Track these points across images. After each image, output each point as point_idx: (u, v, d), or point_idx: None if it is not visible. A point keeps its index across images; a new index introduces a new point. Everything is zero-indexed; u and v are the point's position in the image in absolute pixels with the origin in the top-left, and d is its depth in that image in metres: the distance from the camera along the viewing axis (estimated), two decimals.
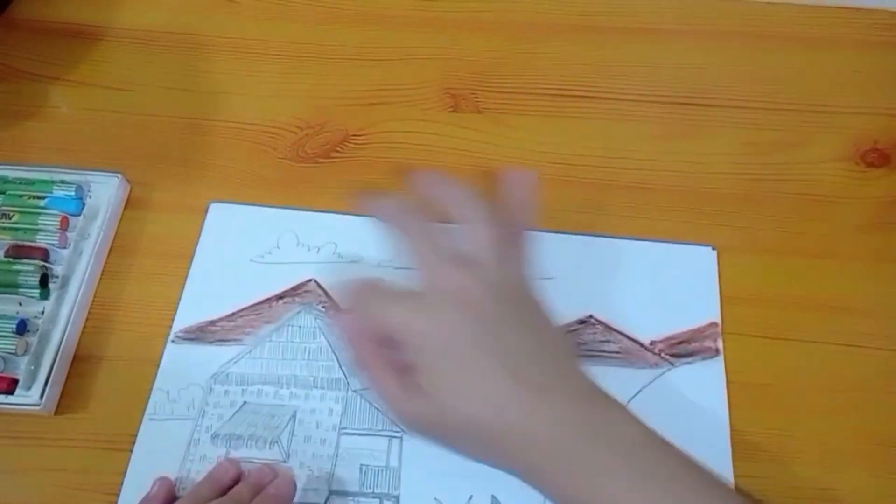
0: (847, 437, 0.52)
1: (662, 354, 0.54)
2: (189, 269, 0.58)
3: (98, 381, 0.54)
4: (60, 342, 0.53)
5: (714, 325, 0.55)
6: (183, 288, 0.57)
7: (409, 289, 0.45)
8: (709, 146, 0.63)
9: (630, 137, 0.63)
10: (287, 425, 0.52)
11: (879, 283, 0.57)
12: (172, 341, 0.55)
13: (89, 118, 0.65)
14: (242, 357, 0.54)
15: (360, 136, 0.64)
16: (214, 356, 0.54)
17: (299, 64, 0.67)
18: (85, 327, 0.56)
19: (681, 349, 0.54)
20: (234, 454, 0.51)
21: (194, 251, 0.58)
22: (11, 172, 0.59)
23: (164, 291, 0.57)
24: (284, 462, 0.51)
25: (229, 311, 0.56)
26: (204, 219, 0.60)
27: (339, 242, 0.58)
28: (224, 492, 0.48)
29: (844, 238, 0.59)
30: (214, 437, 0.52)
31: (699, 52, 0.67)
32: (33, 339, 0.53)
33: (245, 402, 0.53)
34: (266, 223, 0.60)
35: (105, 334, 0.56)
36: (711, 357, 0.54)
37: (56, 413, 0.53)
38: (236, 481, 0.50)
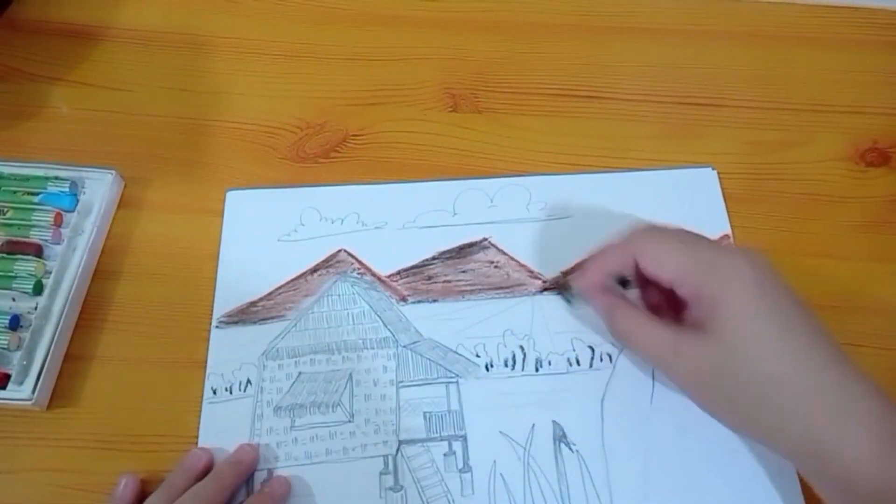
0: None
1: None
2: (218, 256, 0.58)
3: (91, 378, 0.54)
4: (53, 338, 0.53)
5: (727, 236, 0.59)
6: (216, 276, 0.57)
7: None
8: (709, 146, 0.63)
9: (630, 137, 0.63)
10: (345, 388, 0.53)
11: (879, 282, 0.57)
12: (217, 327, 0.55)
13: (89, 118, 0.65)
14: (289, 331, 0.55)
15: (360, 136, 0.64)
16: (261, 334, 0.55)
17: (299, 64, 0.67)
18: (78, 323, 0.56)
19: None
20: (300, 422, 0.52)
21: (219, 239, 0.59)
22: (6, 168, 0.59)
23: (161, 289, 0.57)
24: (350, 421, 0.52)
25: (267, 291, 0.57)
26: (223, 208, 0.60)
27: (360, 212, 0.60)
28: (198, 479, 0.48)
29: (844, 237, 0.59)
30: (277, 409, 0.53)
31: (699, 52, 0.68)
32: (26, 335, 0.53)
33: (300, 373, 0.54)
34: (286, 203, 0.61)
35: (98, 331, 0.55)
36: None
37: (49, 409, 0.53)
38: (209, 468, 0.50)
